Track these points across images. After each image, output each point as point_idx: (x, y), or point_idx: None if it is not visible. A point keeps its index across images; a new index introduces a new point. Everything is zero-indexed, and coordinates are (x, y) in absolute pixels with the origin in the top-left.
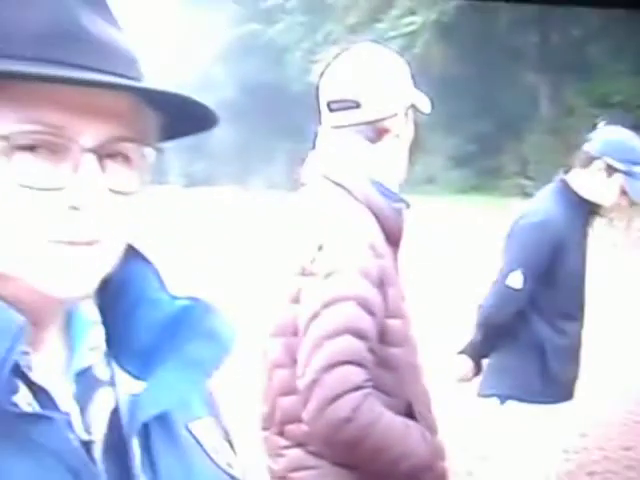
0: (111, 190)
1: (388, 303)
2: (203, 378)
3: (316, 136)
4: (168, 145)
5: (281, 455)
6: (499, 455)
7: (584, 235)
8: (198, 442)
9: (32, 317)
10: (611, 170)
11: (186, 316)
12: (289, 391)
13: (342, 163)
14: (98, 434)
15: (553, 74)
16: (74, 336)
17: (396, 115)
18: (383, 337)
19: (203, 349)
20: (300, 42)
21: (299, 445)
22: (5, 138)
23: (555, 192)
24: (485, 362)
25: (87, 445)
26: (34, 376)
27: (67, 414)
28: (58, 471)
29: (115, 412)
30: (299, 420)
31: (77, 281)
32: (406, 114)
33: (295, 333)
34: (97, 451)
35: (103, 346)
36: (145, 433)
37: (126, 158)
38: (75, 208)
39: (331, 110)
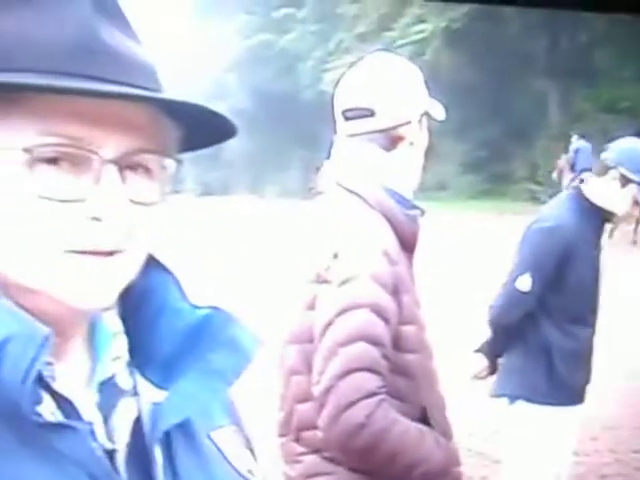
0: (132, 201)
1: (402, 310)
2: (224, 387)
3: (331, 145)
4: (185, 155)
5: (298, 461)
6: (512, 459)
7: (596, 242)
8: (219, 450)
9: (56, 328)
10: (625, 180)
11: (207, 325)
12: (305, 398)
13: (356, 171)
14: (121, 443)
15: (561, 80)
16: (97, 346)
17: (410, 122)
18: (398, 343)
19: (224, 358)
20: (312, 51)
21: (315, 451)
22: (27, 151)
23: (568, 199)
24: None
25: (110, 454)
26: (58, 386)
27: (90, 423)
28: None
29: (138, 421)
30: (315, 427)
31: (99, 292)
32: (420, 121)
33: (311, 340)
34: (120, 460)
35: (126, 356)
36: (167, 441)
37: (146, 169)
38: (97, 219)
39: (346, 119)
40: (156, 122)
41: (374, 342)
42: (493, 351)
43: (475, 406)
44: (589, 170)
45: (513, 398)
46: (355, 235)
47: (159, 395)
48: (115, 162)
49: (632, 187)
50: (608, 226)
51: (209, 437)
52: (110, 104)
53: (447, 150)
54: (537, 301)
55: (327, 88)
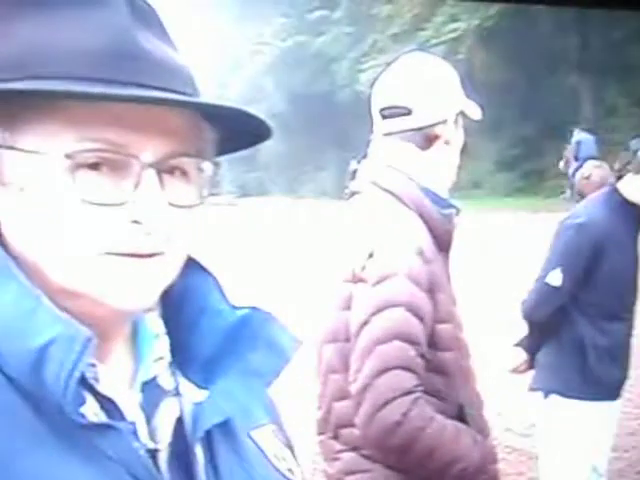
0: (170, 204)
1: (438, 308)
2: (263, 386)
3: (367, 144)
4: (222, 157)
5: (336, 459)
6: (546, 453)
7: (632, 239)
8: (260, 449)
9: (98, 330)
10: None
11: (246, 325)
12: (343, 396)
13: (392, 170)
14: (163, 443)
15: (594, 76)
16: (140, 347)
17: (446, 121)
18: (433, 342)
19: (263, 358)
20: (346, 52)
21: (354, 449)
22: (69, 156)
23: (603, 196)
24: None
25: (152, 454)
26: (101, 387)
27: (133, 424)
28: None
29: (179, 421)
30: (353, 424)
31: (140, 293)
32: (456, 121)
33: (347, 339)
34: (162, 459)
35: (168, 356)
36: (208, 441)
37: (184, 172)
38: (137, 222)
39: (383, 117)
40: (193, 126)
41: (410, 341)
42: (530, 346)
43: (513, 402)
44: (593, 158)
45: (547, 392)
46: (390, 234)
47: (200, 395)
48: (154, 166)
49: None
50: None
51: (249, 436)
52: (148, 109)
53: (481, 148)
54: (569, 297)
55: (362, 88)
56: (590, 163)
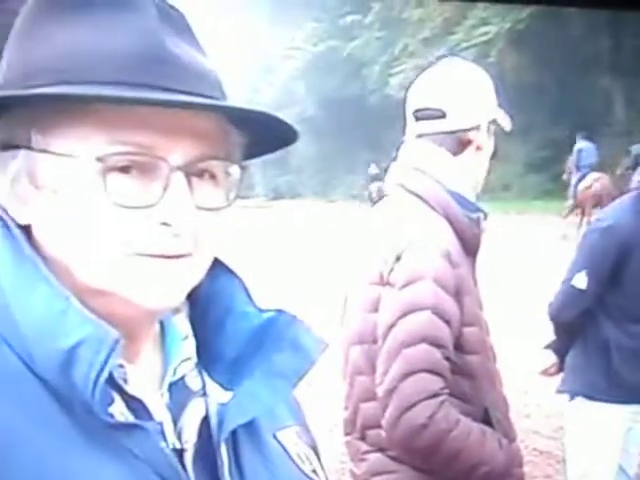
0: (199, 207)
1: (464, 311)
2: (288, 387)
3: (398, 147)
4: (255, 160)
5: (363, 459)
6: (573, 456)
7: None
8: (285, 450)
9: (126, 331)
10: None
11: (272, 328)
12: (369, 397)
13: (419, 173)
14: (189, 443)
15: (626, 78)
16: (168, 348)
17: (479, 127)
18: (459, 345)
19: (289, 360)
20: (378, 56)
21: (380, 450)
22: (100, 159)
23: (630, 199)
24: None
25: (179, 453)
26: (129, 388)
27: (160, 424)
28: (150, 478)
29: (205, 421)
30: (379, 425)
31: (168, 293)
32: (488, 128)
33: (375, 341)
34: (188, 459)
35: (194, 357)
36: (233, 441)
37: (212, 175)
38: (166, 224)
39: (417, 119)
40: (221, 129)
41: (436, 344)
42: (559, 348)
43: (540, 404)
44: (594, 166)
45: (573, 394)
46: (417, 237)
47: (225, 396)
48: (183, 169)
49: None
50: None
51: (274, 437)
52: (177, 113)
53: (511, 151)
54: (596, 299)
55: (393, 92)
56: (591, 175)
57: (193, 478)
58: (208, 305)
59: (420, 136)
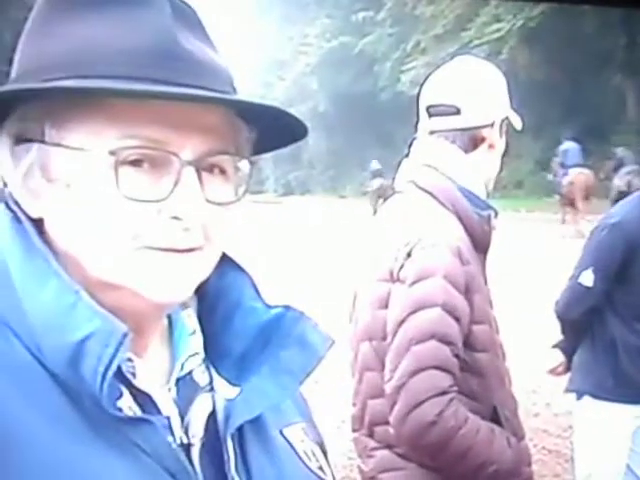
0: (208, 201)
1: (474, 309)
2: (295, 384)
3: (410, 144)
4: (266, 155)
5: (371, 456)
6: (581, 455)
7: None
8: (291, 446)
9: (134, 325)
10: None
11: (279, 324)
12: (378, 393)
13: (430, 169)
14: (196, 437)
15: (639, 76)
16: (175, 343)
17: (493, 125)
18: (469, 342)
19: (296, 356)
20: (390, 53)
21: (388, 446)
22: (112, 153)
23: (639, 197)
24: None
25: (186, 448)
26: (137, 382)
27: (167, 418)
28: (157, 472)
29: (212, 416)
30: (387, 422)
31: (177, 287)
32: (501, 126)
33: (384, 337)
34: (195, 454)
35: (202, 352)
36: (240, 437)
37: (223, 170)
38: (176, 218)
39: (430, 115)
40: (231, 124)
41: (445, 341)
42: (566, 347)
43: (550, 403)
44: (579, 166)
45: (580, 394)
46: (428, 234)
47: (232, 391)
48: (193, 164)
49: None
50: None
51: (281, 433)
52: (188, 107)
53: (523, 148)
54: (602, 297)
55: (404, 89)
56: (575, 170)
57: (200, 473)
58: (216, 300)
59: (433, 133)
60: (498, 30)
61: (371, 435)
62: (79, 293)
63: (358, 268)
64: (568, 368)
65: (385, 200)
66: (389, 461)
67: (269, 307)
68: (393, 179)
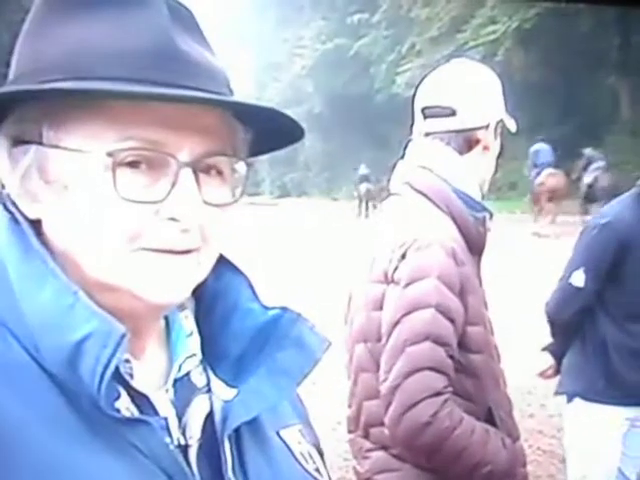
0: (206, 203)
1: (468, 310)
2: (292, 385)
3: (405, 146)
4: (262, 157)
5: (366, 457)
6: (573, 457)
7: None
8: (288, 448)
9: (132, 326)
10: None
11: (276, 325)
12: (373, 395)
13: (425, 171)
14: (194, 438)
15: (633, 77)
16: (173, 345)
17: (488, 127)
18: (464, 343)
19: (293, 358)
20: (385, 55)
21: (383, 448)
22: (110, 154)
23: (630, 196)
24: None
25: (183, 449)
26: (135, 383)
27: (165, 419)
28: (154, 473)
29: (209, 417)
30: (382, 423)
31: (174, 288)
32: (496, 128)
33: (379, 339)
34: (192, 455)
35: (199, 354)
36: (237, 438)
37: (220, 172)
38: (174, 219)
39: (425, 116)
40: (228, 126)
41: (440, 342)
42: (556, 350)
43: (544, 405)
44: (550, 165)
45: (571, 396)
46: (422, 235)
47: (230, 393)
48: (191, 165)
49: None
50: None
51: (278, 435)
52: (186, 109)
53: (519, 150)
54: (594, 297)
55: (400, 90)
56: (545, 171)
57: (197, 474)
58: (213, 302)
59: (428, 134)
60: (493, 32)
61: (366, 436)
62: (77, 294)
63: (353, 270)
64: (558, 371)
65: (371, 204)
66: (384, 462)
67: (266, 309)
68: (385, 181)
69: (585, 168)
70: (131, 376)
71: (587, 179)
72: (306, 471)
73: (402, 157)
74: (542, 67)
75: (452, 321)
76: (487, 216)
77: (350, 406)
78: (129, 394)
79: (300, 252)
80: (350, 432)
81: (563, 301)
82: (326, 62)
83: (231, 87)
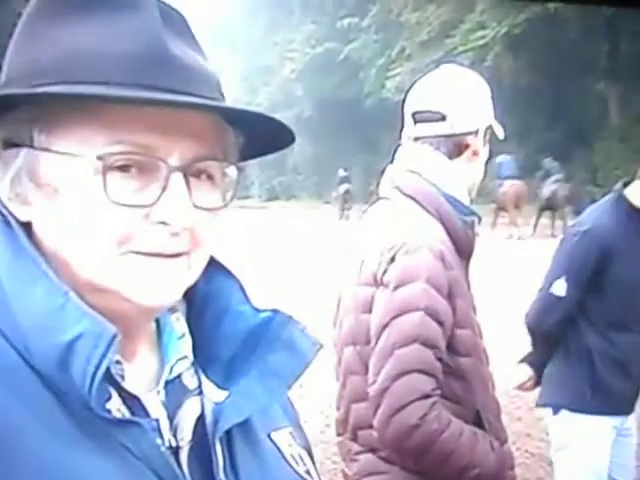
0: (196, 206)
1: (457, 313)
2: (283, 388)
3: (394, 150)
4: (252, 161)
5: (354, 460)
6: (562, 465)
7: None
8: (279, 450)
9: (123, 328)
10: None
11: (267, 328)
12: (362, 397)
13: (414, 175)
14: (185, 440)
15: (622, 82)
16: (164, 347)
17: (477, 132)
18: (452, 346)
19: (284, 360)
20: (375, 59)
21: (371, 450)
22: (100, 158)
23: (609, 202)
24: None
25: (174, 450)
26: (126, 384)
27: (156, 421)
28: (145, 475)
29: (201, 419)
30: (371, 426)
31: (164, 291)
32: (485, 134)
33: (368, 342)
34: (183, 457)
35: (191, 356)
36: (228, 440)
37: (210, 176)
38: (164, 223)
39: (415, 121)
40: (219, 131)
41: (428, 344)
42: (534, 361)
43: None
44: (512, 177)
45: (557, 408)
46: (411, 239)
47: (221, 395)
48: (181, 169)
49: None
50: None
51: (269, 437)
52: (177, 113)
53: (508, 154)
54: (575, 306)
55: (389, 95)
56: (507, 182)
57: (188, 475)
58: (205, 304)
59: (417, 139)
60: (482, 37)
61: (355, 439)
62: (68, 294)
63: (342, 272)
64: (537, 383)
65: (349, 204)
66: (373, 465)
67: (257, 311)
68: (367, 184)
69: (544, 179)
70: (122, 377)
71: (545, 191)
72: (297, 473)
73: (391, 161)
74: (531, 72)
75: (441, 324)
76: (475, 220)
77: (339, 409)
78: (120, 395)
79: (289, 254)
80: (339, 435)
81: (543, 311)
82: (316, 66)
83: (222, 92)
